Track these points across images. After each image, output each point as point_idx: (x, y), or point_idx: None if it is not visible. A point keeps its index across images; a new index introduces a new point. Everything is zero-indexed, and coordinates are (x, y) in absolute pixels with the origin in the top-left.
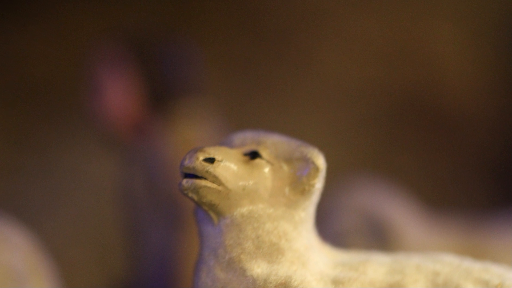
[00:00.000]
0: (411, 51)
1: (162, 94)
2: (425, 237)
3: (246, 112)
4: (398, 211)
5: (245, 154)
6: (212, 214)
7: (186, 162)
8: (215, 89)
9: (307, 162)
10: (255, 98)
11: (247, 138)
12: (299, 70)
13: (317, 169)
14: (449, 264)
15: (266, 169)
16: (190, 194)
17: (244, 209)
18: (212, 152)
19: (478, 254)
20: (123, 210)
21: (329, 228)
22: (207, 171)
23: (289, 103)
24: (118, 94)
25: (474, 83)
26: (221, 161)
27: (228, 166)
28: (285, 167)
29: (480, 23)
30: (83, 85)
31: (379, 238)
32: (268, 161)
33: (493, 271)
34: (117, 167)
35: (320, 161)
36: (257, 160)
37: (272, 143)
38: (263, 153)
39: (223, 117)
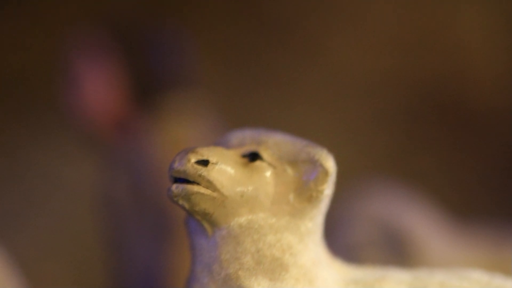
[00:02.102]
0: (432, 38)
1: (149, 87)
2: (450, 251)
3: (245, 108)
4: (418, 220)
5: (244, 156)
6: (206, 225)
7: (176, 165)
8: (210, 82)
9: (315, 164)
10: (255, 92)
11: (246, 138)
12: (305, 60)
13: (326, 172)
14: (477, 281)
15: (268, 173)
16: (180, 202)
17: (243, 219)
18: (205, 153)
19: (510, 270)
20: (104, 220)
21: (340, 240)
22: (200, 175)
23: (294, 97)
24: (98, 87)
25: (504, 74)
26: (216, 163)
27: (224, 170)
28: (290, 171)
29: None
30: (58, 77)
31: (397, 251)
32: (269, 164)
33: None
34: (97, 170)
35: (330, 163)
36: (258, 163)
37: (275, 143)
38: (264, 154)
39: (219, 113)
